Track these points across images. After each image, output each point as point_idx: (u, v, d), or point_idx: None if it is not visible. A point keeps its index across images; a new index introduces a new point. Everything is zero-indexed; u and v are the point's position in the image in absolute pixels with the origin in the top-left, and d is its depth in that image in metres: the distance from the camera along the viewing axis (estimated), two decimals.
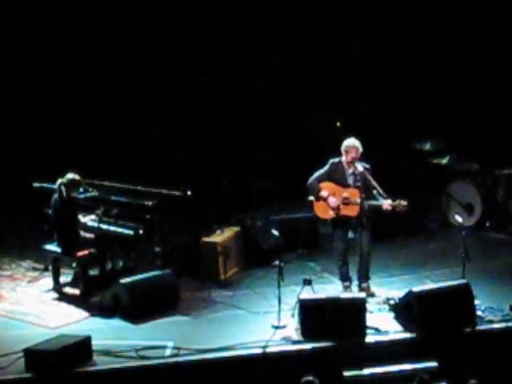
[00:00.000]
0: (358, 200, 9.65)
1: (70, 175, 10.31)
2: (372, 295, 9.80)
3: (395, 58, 14.06)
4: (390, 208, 9.59)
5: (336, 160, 9.89)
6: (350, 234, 10.05)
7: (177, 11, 13.71)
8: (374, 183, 9.68)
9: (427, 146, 13.09)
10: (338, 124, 13.49)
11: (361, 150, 9.73)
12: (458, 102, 13.85)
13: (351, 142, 9.78)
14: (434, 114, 13.90)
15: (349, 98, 14.03)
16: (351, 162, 9.74)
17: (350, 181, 9.83)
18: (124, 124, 13.87)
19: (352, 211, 9.73)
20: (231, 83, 14.00)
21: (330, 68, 14.03)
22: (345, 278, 10.04)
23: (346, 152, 9.77)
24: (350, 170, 9.82)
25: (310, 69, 14.05)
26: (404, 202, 9.60)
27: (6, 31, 13.43)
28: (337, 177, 9.85)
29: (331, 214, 9.84)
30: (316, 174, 9.92)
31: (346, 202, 9.75)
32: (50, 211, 10.47)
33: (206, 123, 13.94)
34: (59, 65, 13.71)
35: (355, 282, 10.05)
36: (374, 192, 9.70)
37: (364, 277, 9.93)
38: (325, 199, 9.83)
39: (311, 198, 9.97)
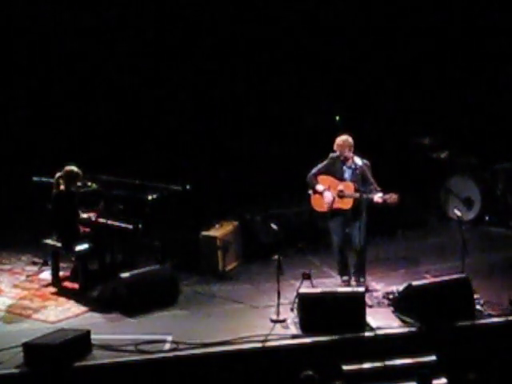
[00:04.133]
0: (352, 193, 9.70)
1: (68, 168, 10.28)
2: (371, 291, 9.80)
3: (394, 53, 14.04)
4: (380, 201, 9.65)
5: (335, 154, 9.94)
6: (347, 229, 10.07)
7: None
8: (371, 178, 9.73)
9: (426, 141, 13.08)
10: (337, 118, 13.48)
11: (343, 148, 9.76)
12: (457, 97, 13.83)
13: (338, 140, 9.86)
14: (433, 108, 13.89)
15: (348, 92, 14.01)
16: (345, 158, 9.78)
17: (347, 175, 9.90)
18: (123, 118, 13.85)
19: (346, 204, 9.81)
20: (231, 78, 13.98)
21: (330, 62, 14.01)
22: (343, 272, 10.05)
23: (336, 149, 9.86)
24: (348, 164, 9.87)
25: (311, 63, 14.04)
26: (394, 195, 9.65)
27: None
28: (334, 170, 9.93)
29: (326, 206, 9.89)
30: (315, 168, 10.02)
31: (341, 194, 9.83)
32: (50, 205, 10.46)
33: (205, 117, 13.92)
34: (57, 57, 13.70)
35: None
36: (371, 187, 9.74)
37: (358, 272, 9.92)
38: (320, 193, 9.88)
39: (310, 191, 10.01)
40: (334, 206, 9.86)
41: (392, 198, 9.63)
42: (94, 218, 10.55)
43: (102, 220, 10.56)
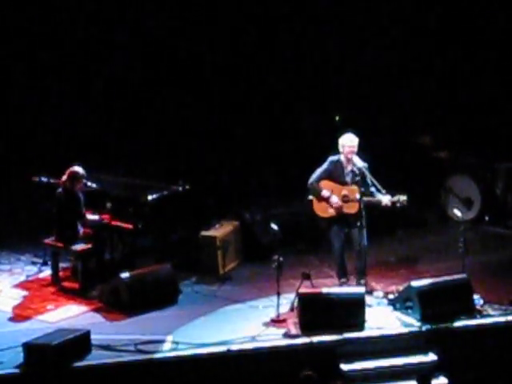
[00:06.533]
0: (357, 197, 9.62)
1: (71, 169, 10.30)
2: (371, 291, 9.78)
3: (395, 52, 14.02)
4: (389, 204, 9.59)
5: (335, 158, 9.85)
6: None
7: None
8: (373, 180, 9.68)
9: (427, 140, 13.06)
10: (337, 118, 13.47)
11: (356, 144, 9.70)
12: (457, 95, 13.82)
13: (345, 138, 9.77)
14: (433, 107, 13.88)
15: (349, 92, 14.00)
16: (349, 158, 9.72)
17: (348, 178, 9.79)
18: (123, 117, 13.85)
19: (352, 208, 9.70)
20: (232, 78, 13.98)
21: (330, 63, 14.01)
22: (342, 274, 10.01)
23: (343, 147, 9.76)
24: (349, 168, 9.77)
25: (310, 63, 14.04)
26: (403, 197, 9.59)
27: None
28: (336, 175, 9.81)
29: (331, 212, 9.81)
30: (316, 174, 9.86)
31: (346, 199, 9.72)
32: (51, 205, 10.44)
33: (205, 118, 13.92)
34: (57, 56, 13.72)
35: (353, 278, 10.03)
36: (373, 189, 9.69)
37: (362, 273, 9.87)
38: (327, 199, 9.80)
39: (310, 197, 9.92)
40: (343, 212, 9.75)
41: (401, 200, 9.58)
42: (95, 218, 10.51)
43: (106, 220, 10.53)
